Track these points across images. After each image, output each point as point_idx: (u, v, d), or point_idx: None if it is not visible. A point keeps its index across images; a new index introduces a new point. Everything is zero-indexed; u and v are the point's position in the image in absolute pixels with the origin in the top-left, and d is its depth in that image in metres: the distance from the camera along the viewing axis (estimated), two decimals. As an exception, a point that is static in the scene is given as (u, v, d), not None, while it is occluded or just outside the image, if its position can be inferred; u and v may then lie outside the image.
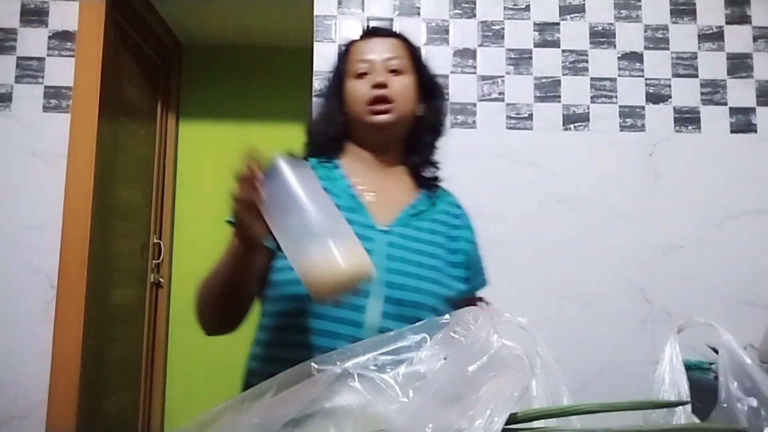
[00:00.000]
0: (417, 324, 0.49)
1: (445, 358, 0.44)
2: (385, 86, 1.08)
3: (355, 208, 1.06)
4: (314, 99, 1.21)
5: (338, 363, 0.44)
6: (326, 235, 0.76)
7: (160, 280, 2.92)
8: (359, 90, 1.10)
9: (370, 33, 1.19)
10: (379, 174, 1.13)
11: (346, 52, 1.17)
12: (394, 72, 1.11)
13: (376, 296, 0.98)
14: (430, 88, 1.17)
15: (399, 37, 1.17)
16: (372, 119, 1.09)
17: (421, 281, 1.02)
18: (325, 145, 1.14)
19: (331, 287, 0.74)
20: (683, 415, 0.50)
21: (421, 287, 1.02)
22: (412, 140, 1.16)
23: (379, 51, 1.12)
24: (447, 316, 0.48)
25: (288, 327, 1.02)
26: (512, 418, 0.43)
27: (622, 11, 2.19)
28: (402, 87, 1.10)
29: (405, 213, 1.10)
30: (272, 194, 0.79)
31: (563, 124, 2.13)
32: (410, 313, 0.99)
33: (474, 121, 2.12)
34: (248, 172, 0.79)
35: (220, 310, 1.00)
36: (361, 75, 1.11)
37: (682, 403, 0.50)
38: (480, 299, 1.18)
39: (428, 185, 1.18)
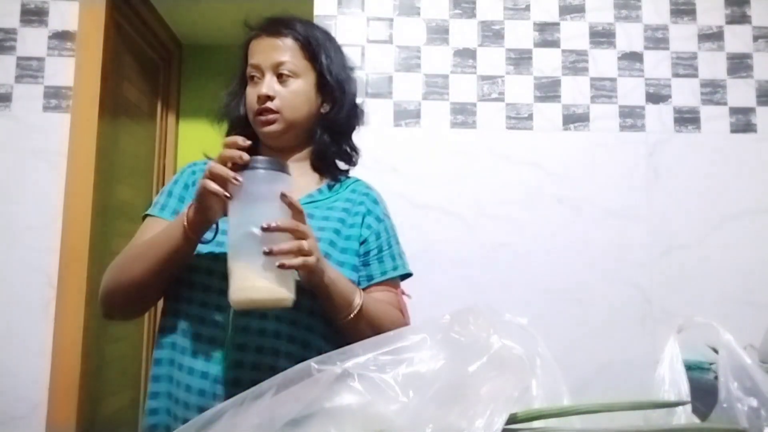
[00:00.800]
0: (417, 324, 0.48)
1: (445, 358, 0.44)
2: (269, 98, 1.06)
3: None
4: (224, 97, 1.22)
5: (338, 363, 0.44)
6: (265, 255, 0.82)
7: (160, 280, 2.92)
8: (249, 97, 1.09)
9: (263, 28, 1.13)
10: None
11: (244, 51, 1.14)
12: (283, 77, 1.07)
13: None
14: (332, 85, 1.11)
15: (294, 31, 1.10)
16: (260, 130, 1.09)
17: None
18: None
19: (244, 300, 0.83)
20: (683, 415, 0.50)
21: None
22: (316, 137, 1.13)
23: (267, 55, 1.08)
24: (447, 316, 0.48)
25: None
26: (512, 418, 0.43)
27: (622, 11, 2.19)
28: (290, 94, 1.07)
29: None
30: (242, 191, 0.84)
31: (563, 124, 2.13)
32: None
33: (474, 121, 2.12)
34: (222, 168, 0.84)
35: (136, 293, 1.00)
36: (252, 79, 1.09)
37: (682, 403, 0.50)
38: (394, 287, 1.12)
39: (332, 176, 1.15)
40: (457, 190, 2.09)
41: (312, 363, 0.45)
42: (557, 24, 2.18)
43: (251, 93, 1.09)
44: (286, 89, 1.07)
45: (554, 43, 2.17)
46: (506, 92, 2.14)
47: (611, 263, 2.06)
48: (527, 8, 2.18)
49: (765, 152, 2.14)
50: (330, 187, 1.14)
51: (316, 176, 1.15)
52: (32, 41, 2.11)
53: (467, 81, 2.14)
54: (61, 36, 2.12)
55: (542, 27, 2.18)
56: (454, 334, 0.46)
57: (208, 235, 0.94)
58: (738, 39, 2.19)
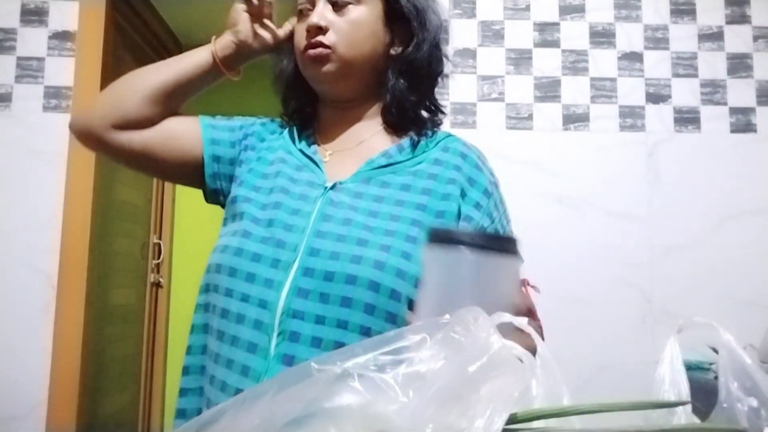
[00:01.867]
0: (417, 324, 0.48)
1: (445, 358, 0.44)
2: (320, 30, 0.84)
3: (303, 165, 0.87)
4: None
5: (338, 363, 0.44)
6: None
7: (160, 280, 2.92)
8: (298, 34, 0.88)
9: None
10: (347, 130, 0.91)
11: None
12: (339, 3, 0.85)
13: (294, 268, 0.76)
14: (408, 15, 0.90)
15: None
16: (309, 73, 0.88)
17: (365, 249, 0.75)
18: (292, 109, 0.94)
19: None
20: (683, 415, 0.50)
21: (362, 256, 0.75)
22: (389, 84, 0.90)
23: None
24: (447, 316, 0.48)
25: (202, 306, 0.85)
26: (512, 418, 0.43)
27: (622, 11, 2.19)
28: (349, 25, 0.85)
29: (368, 164, 0.85)
30: (443, 270, 0.59)
31: (563, 124, 2.13)
32: (340, 291, 0.74)
33: (474, 121, 2.12)
34: None
35: (135, 105, 0.87)
36: (302, 13, 0.88)
37: (683, 404, 0.50)
38: (524, 281, 0.92)
39: (415, 131, 0.91)
40: (457, 190, 2.09)
41: (312, 363, 0.45)
42: (557, 24, 2.18)
43: (299, 29, 0.87)
44: (342, 18, 0.85)
45: (554, 43, 2.17)
46: (506, 92, 2.14)
47: (611, 263, 2.06)
48: (527, 8, 2.18)
49: (765, 152, 2.14)
50: (413, 144, 0.89)
51: (388, 134, 0.92)
52: (32, 41, 2.11)
53: (467, 81, 2.14)
54: (61, 36, 2.12)
55: (542, 27, 2.18)
56: (454, 334, 0.46)
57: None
58: (738, 39, 2.19)
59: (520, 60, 2.16)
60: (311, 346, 0.74)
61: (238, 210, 0.85)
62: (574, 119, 2.14)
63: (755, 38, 2.20)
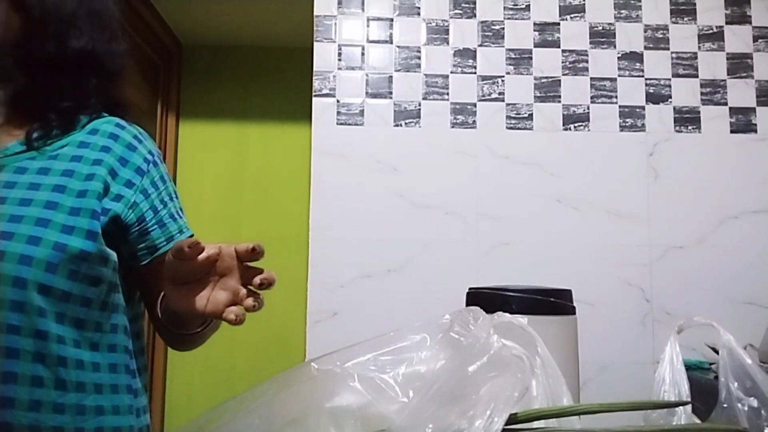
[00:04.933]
0: (417, 324, 0.48)
1: (445, 359, 0.44)
2: None
3: None
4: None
5: (338, 363, 0.44)
6: None
7: (160, 280, 2.92)
8: None
9: None
10: None
11: None
12: None
13: None
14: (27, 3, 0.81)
15: None
16: None
17: None
18: None
19: None
20: (684, 415, 0.50)
21: None
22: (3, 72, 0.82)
23: None
24: (447, 316, 0.48)
25: None
26: (512, 419, 0.43)
27: (622, 11, 2.19)
28: None
29: (2, 151, 0.80)
30: None
31: (563, 124, 2.13)
32: None
33: (474, 121, 2.12)
34: None
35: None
36: None
37: (683, 404, 0.51)
38: None
39: (61, 117, 0.83)
40: (457, 190, 2.09)
41: (312, 363, 0.45)
42: (557, 24, 2.18)
43: None
44: None
45: (554, 43, 2.17)
46: (506, 92, 2.14)
47: (611, 263, 2.06)
48: (527, 8, 2.18)
49: (765, 152, 2.14)
50: (47, 134, 0.82)
51: (19, 124, 0.84)
52: (32, 41, 2.10)
53: (467, 81, 2.14)
54: (61, 36, 2.11)
55: (542, 27, 2.18)
56: (454, 334, 0.46)
57: None
58: (738, 39, 2.19)
59: (520, 60, 2.16)
60: None
61: None
62: (574, 119, 2.14)
63: (755, 38, 2.20)
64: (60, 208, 0.76)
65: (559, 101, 2.14)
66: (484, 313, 0.48)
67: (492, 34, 2.17)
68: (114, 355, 0.82)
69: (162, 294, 0.79)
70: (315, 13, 2.14)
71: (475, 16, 2.17)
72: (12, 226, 0.73)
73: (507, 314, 0.50)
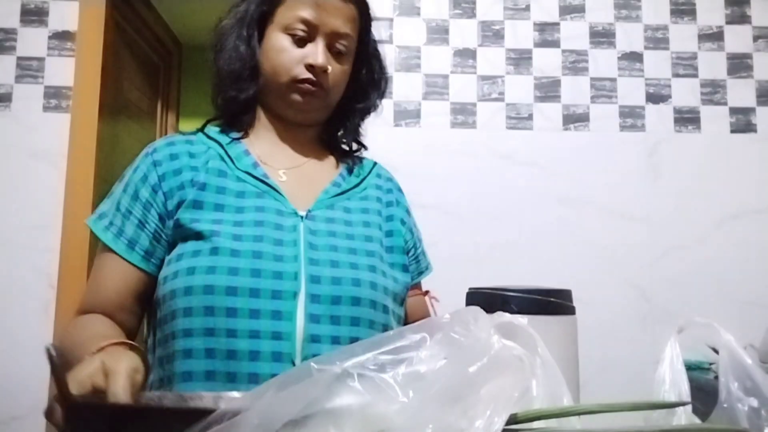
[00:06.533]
0: (416, 323, 0.48)
1: (445, 358, 0.44)
2: (326, 71, 0.88)
3: (264, 192, 0.87)
4: (218, 34, 1.02)
5: (338, 363, 0.44)
6: None
7: (160, 280, 2.92)
8: (290, 56, 0.87)
9: None
10: (291, 148, 0.94)
11: None
12: (336, 49, 0.89)
13: (300, 297, 0.80)
14: (375, 79, 0.98)
15: (361, 4, 0.93)
16: (293, 97, 0.89)
17: (359, 272, 0.83)
18: (235, 111, 0.94)
19: None
20: (684, 416, 0.50)
21: (359, 279, 0.83)
22: (337, 117, 0.97)
23: (331, 18, 0.87)
24: (447, 315, 0.48)
25: (185, 351, 0.79)
26: (512, 419, 0.43)
27: (622, 11, 2.19)
28: (341, 75, 0.91)
29: (326, 193, 0.91)
30: None
31: (563, 124, 2.13)
32: (348, 312, 0.81)
33: (474, 121, 2.12)
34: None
35: None
36: (295, 37, 0.88)
37: (683, 404, 0.50)
38: (427, 293, 1.04)
39: (350, 157, 0.98)
40: (457, 190, 2.09)
41: (312, 363, 0.45)
42: (557, 24, 2.18)
43: (295, 53, 0.87)
44: (338, 66, 0.90)
45: (554, 43, 2.17)
46: (506, 92, 2.14)
47: (611, 263, 2.06)
48: (527, 8, 2.18)
49: (765, 152, 2.14)
50: (349, 171, 0.97)
51: (330, 158, 0.98)
52: (32, 41, 2.11)
53: (467, 81, 2.14)
54: (61, 36, 2.12)
55: (542, 27, 2.18)
56: (454, 334, 0.46)
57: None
58: (738, 39, 2.19)
59: (520, 60, 2.16)
60: None
61: (204, 237, 0.81)
62: (574, 119, 2.14)
63: (755, 38, 2.20)
64: (380, 245, 0.92)
65: (559, 101, 2.14)
66: (484, 313, 0.48)
67: (492, 34, 2.17)
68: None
69: None
70: (315, 13, 2.14)
71: (475, 16, 2.17)
72: (370, 260, 0.87)
73: (507, 314, 0.50)
